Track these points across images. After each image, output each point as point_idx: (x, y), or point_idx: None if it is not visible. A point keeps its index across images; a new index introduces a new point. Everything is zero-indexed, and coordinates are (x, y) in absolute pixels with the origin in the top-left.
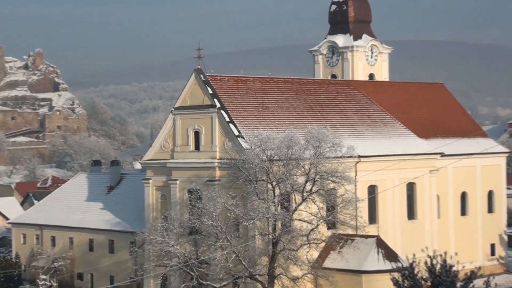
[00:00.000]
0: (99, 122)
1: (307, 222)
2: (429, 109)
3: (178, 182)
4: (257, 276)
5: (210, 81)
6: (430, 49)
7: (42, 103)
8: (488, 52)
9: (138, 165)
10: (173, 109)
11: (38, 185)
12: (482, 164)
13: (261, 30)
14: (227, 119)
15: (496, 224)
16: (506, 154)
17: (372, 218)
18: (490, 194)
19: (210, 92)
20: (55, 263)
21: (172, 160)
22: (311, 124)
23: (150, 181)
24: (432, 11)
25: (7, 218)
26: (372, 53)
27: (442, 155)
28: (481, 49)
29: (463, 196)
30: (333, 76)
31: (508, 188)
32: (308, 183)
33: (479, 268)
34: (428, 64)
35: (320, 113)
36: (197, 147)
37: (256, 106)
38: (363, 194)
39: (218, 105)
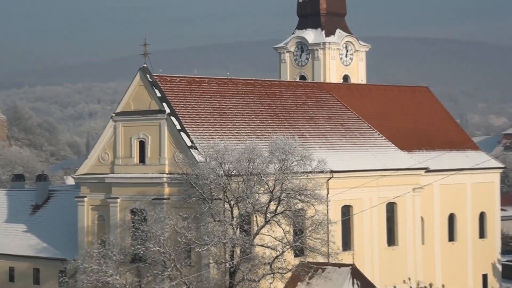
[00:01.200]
0: (22, 129)
1: (271, 248)
2: (412, 117)
3: (118, 200)
4: None
5: (158, 82)
6: (414, 47)
7: None
8: (479, 50)
9: (70, 180)
10: (113, 114)
11: None
12: (473, 182)
13: (219, 22)
14: (178, 127)
15: (489, 251)
16: (501, 170)
17: (347, 243)
18: (482, 217)
19: (158, 95)
20: None
21: (112, 175)
22: (276, 133)
23: (85, 199)
24: (415, 4)
25: None
26: (347, 51)
27: (427, 170)
28: (471, 47)
29: (451, 218)
30: (302, 77)
31: (502, 210)
32: (272, 203)
33: None
34: (411, 65)
35: (287, 121)
36: (142, 159)
37: (212, 112)
38: (336, 215)
39: (167, 110)
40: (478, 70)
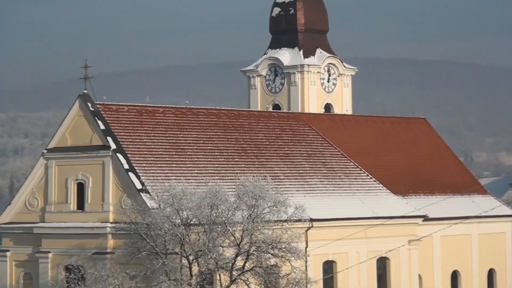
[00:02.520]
0: None
1: None
2: (407, 154)
3: (50, 255)
4: None
5: (102, 112)
6: (408, 71)
7: None
8: (484, 74)
9: None
10: (45, 151)
11: None
12: (480, 232)
13: (177, 40)
14: (126, 166)
15: None
16: None
17: None
18: (491, 274)
19: (102, 127)
20: None
21: (42, 224)
22: (245, 173)
23: (8, 253)
24: (408, 21)
25: None
26: (329, 75)
27: (426, 219)
28: (475, 70)
29: (455, 276)
30: (276, 106)
31: None
32: (239, 258)
33: None
34: (406, 92)
35: (258, 159)
36: (80, 205)
37: (168, 148)
38: (316, 273)
39: (112, 146)
40: (484, 97)
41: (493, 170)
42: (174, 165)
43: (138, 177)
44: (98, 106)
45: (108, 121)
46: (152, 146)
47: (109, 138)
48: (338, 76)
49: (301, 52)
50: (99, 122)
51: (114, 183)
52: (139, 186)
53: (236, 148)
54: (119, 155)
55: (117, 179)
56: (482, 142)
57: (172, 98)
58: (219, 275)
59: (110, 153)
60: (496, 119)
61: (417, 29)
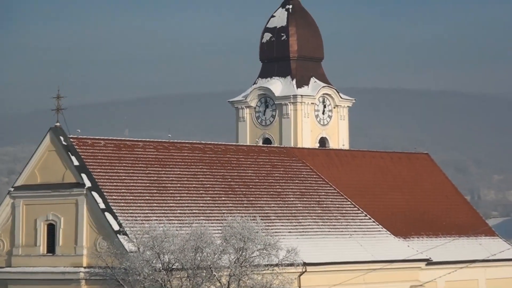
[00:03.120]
0: None
1: None
2: (409, 192)
3: None
4: None
5: (76, 147)
6: (409, 102)
7: None
8: (493, 106)
9: None
10: (12, 189)
11: None
12: (488, 277)
13: (158, 69)
14: (102, 206)
15: None
16: None
17: None
18: None
19: (76, 163)
20: None
21: (8, 269)
22: (233, 213)
23: None
24: (409, 48)
25: None
26: (324, 106)
27: (429, 262)
28: (483, 101)
29: None
30: (267, 140)
31: None
32: None
33: None
34: (407, 125)
35: (246, 197)
36: (51, 248)
37: (149, 186)
38: None
39: (87, 183)
40: (492, 130)
41: (502, 210)
42: (155, 205)
43: (115, 217)
44: (71, 140)
45: (82, 156)
46: (131, 184)
47: (83, 175)
48: (334, 107)
49: (294, 81)
50: (73, 158)
51: (88, 224)
52: (116, 227)
53: (223, 185)
54: (94, 194)
55: (92, 220)
56: (490, 179)
57: (154, 132)
58: None
59: (85, 192)
60: (505, 154)
61: (419, 58)
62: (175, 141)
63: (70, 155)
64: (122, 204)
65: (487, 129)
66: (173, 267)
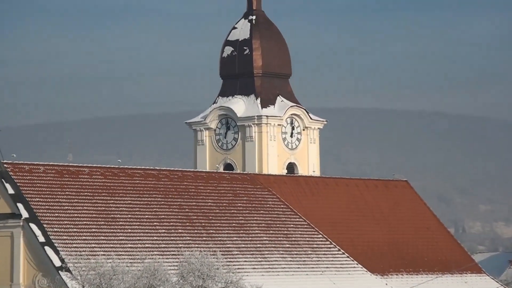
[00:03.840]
0: None
1: None
2: (386, 224)
3: None
4: None
5: (11, 173)
6: (386, 123)
7: None
8: (477, 128)
9: None
10: None
11: None
12: None
13: (105, 88)
14: (42, 239)
15: None
16: None
17: None
18: None
19: (11, 191)
20: None
21: None
22: (190, 247)
23: None
24: (385, 65)
25: None
26: (293, 128)
27: None
28: (466, 123)
29: None
30: (228, 166)
31: None
32: None
33: None
34: (383, 148)
35: (206, 230)
36: None
37: (95, 217)
38: None
39: (24, 214)
40: (476, 155)
41: (489, 244)
42: (103, 238)
43: (56, 252)
44: (5, 166)
45: (18, 184)
46: (75, 215)
47: (19, 205)
48: (303, 129)
49: (259, 100)
50: (7, 186)
51: (26, 259)
52: (57, 263)
53: (179, 216)
54: (33, 226)
55: (30, 255)
56: (475, 210)
57: (101, 156)
58: None
59: (21, 223)
60: (491, 181)
61: (396, 75)
62: (126, 166)
63: (4, 182)
64: (65, 237)
65: (471, 153)
66: None
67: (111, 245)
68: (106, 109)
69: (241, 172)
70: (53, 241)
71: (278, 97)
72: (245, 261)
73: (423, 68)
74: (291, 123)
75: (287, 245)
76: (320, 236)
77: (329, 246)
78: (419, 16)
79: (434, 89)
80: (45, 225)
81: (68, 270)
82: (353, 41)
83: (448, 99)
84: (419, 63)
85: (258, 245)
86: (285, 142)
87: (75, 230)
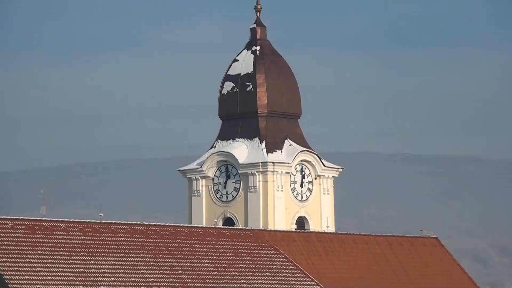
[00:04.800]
0: None
1: None
2: (413, 287)
3: None
4: None
5: None
6: (413, 171)
7: None
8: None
9: None
10: None
11: None
12: None
13: (85, 127)
14: None
15: None
16: None
17: None
18: None
19: None
20: None
21: None
22: None
23: None
24: (414, 103)
25: None
26: (303, 177)
27: None
28: (505, 171)
29: None
30: (229, 220)
31: None
32: None
33: None
34: (410, 200)
35: None
36: None
37: (72, 280)
38: None
39: None
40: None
41: None
42: None
43: None
44: None
45: None
46: (49, 277)
47: None
48: (315, 178)
49: (263, 144)
50: None
51: None
52: None
53: (171, 279)
54: None
55: None
56: None
57: (79, 210)
58: None
59: None
60: None
61: (423, 115)
62: (109, 221)
63: None
64: None
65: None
66: None
67: None
68: (86, 154)
69: (243, 227)
70: None
71: (286, 141)
72: None
73: (455, 108)
74: (301, 170)
75: None
76: None
77: None
78: (452, 50)
79: (467, 131)
80: None
81: None
82: (374, 77)
83: (484, 143)
84: (451, 103)
85: None
86: (294, 193)
87: None
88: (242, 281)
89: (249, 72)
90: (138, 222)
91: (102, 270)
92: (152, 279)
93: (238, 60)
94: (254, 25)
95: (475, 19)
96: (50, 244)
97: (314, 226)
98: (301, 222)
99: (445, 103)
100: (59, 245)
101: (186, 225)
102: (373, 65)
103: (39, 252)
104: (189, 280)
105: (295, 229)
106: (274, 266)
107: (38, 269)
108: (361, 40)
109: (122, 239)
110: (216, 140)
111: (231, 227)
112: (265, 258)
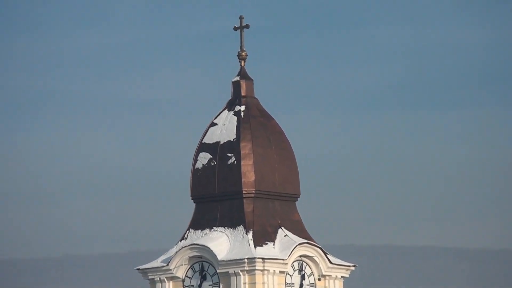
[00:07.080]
0: None
1: None
2: None
3: None
4: None
5: None
6: (447, 267)
7: None
8: None
9: None
10: None
11: None
12: None
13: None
14: None
15: None
16: None
17: None
18: None
19: None
20: None
21: None
22: None
23: None
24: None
25: None
26: (303, 278)
27: None
28: None
29: None
30: None
31: None
32: None
33: None
34: None
35: None
36: None
37: None
38: None
39: None
40: None
41: None
42: None
43: None
44: None
45: None
46: None
47: None
48: (319, 279)
49: (250, 235)
50: None
51: None
52: None
53: None
54: None
55: None
56: None
57: None
58: None
59: None
60: None
61: (456, 202)
62: None
63: None
64: None
65: None
66: None
67: None
68: (17, 250)
69: None
70: None
71: (279, 230)
72: None
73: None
74: (301, 269)
75: None
76: None
77: None
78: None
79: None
80: None
81: None
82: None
83: None
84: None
85: None
86: None
87: None
88: None
89: (231, 140)
90: None
91: None
92: None
93: (216, 124)
94: (238, 78)
95: None
96: None
97: None
98: None
99: (479, 190)
100: None
101: None
102: (395, 126)
103: None
104: None
105: None
106: None
107: None
108: (374, 97)
109: None
110: (188, 229)
111: None
112: None
